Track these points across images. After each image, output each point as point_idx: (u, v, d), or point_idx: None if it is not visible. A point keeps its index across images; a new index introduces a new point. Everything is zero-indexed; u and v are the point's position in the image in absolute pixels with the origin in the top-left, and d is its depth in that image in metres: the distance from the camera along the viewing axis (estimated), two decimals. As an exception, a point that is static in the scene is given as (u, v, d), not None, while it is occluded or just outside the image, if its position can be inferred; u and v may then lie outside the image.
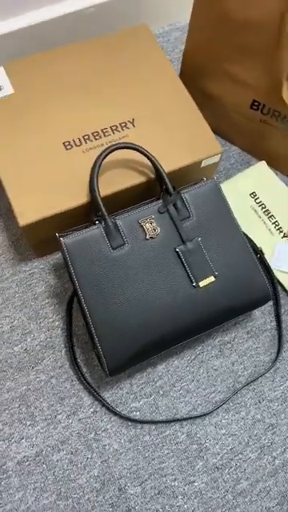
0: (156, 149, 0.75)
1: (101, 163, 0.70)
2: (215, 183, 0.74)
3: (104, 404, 0.75)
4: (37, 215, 0.72)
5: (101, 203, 0.69)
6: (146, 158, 0.74)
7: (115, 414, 0.75)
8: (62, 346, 0.79)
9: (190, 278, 0.70)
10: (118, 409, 0.76)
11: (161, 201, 0.71)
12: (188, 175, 0.79)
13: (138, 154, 0.73)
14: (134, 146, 0.72)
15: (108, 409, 0.75)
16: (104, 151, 0.71)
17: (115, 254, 0.68)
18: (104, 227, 0.68)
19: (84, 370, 0.78)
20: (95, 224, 0.69)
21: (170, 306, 0.69)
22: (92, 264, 0.67)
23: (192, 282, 0.70)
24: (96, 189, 0.69)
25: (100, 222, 0.69)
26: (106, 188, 0.74)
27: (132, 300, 0.68)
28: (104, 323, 0.67)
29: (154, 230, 0.70)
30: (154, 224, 0.70)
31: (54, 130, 0.78)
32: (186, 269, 0.70)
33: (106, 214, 0.69)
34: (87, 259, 0.67)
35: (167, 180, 0.72)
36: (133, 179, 0.75)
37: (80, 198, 0.73)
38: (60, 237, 0.68)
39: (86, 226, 0.70)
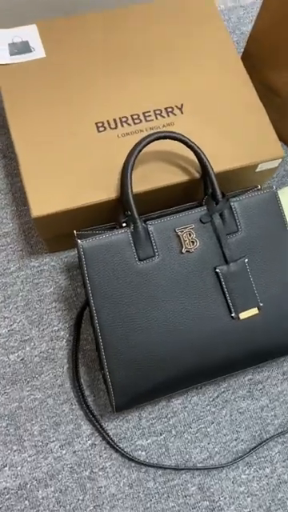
0: (205, 143, 0.62)
1: (138, 153, 0.57)
2: (274, 194, 0.61)
3: (105, 437, 0.64)
4: (54, 207, 0.60)
5: (132, 202, 0.56)
6: (191, 153, 0.61)
7: (117, 450, 0.64)
8: (65, 361, 0.67)
9: (228, 306, 0.57)
10: (120, 445, 0.64)
11: (204, 208, 0.58)
12: (238, 180, 0.66)
13: (183, 147, 0.60)
14: (181, 136, 0.59)
15: (109, 443, 0.64)
16: (144, 139, 0.58)
17: (142, 266, 0.56)
18: (132, 232, 0.56)
19: (87, 392, 0.66)
20: (122, 227, 0.57)
21: (199, 338, 0.56)
22: (113, 275, 0.55)
23: (231, 313, 0.57)
24: (129, 183, 0.57)
25: (128, 226, 0.56)
26: (140, 184, 0.61)
27: (156, 325, 0.55)
28: (118, 350, 0.55)
29: (193, 242, 0.57)
30: (194, 235, 0.57)
31: (86, 106, 0.65)
32: (225, 295, 0.57)
33: (136, 215, 0.56)
34: (107, 269, 0.55)
35: (216, 183, 0.59)
36: (173, 177, 0.63)
37: (108, 191, 0.61)
38: (78, 237, 0.56)
39: (111, 228, 0.58)
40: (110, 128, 0.65)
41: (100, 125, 0.65)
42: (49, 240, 0.69)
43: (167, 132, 0.59)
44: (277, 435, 0.66)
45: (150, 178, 0.62)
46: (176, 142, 0.60)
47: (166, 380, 0.57)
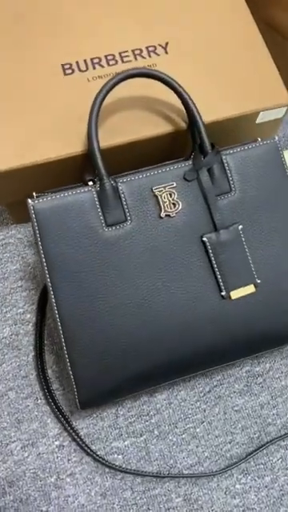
0: (194, 88, 0.51)
1: (106, 94, 0.47)
2: (276, 146, 0.49)
3: (74, 438, 0.54)
4: (8, 163, 0.50)
5: (98, 154, 0.46)
6: (176, 101, 0.50)
7: (88, 453, 0.54)
8: (31, 348, 0.58)
9: (218, 283, 0.47)
10: (93, 447, 0.54)
11: (189, 162, 0.47)
12: (234, 135, 0.55)
13: (166, 92, 0.49)
14: (162, 75, 0.49)
15: (79, 445, 0.55)
16: (113, 78, 0.47)
17: (110, 233, 0.45)
18: (98, 191, 0.45)
19: (55, 385, 0.57)
20: (87, 186, 0.46)
21: (181, 322, 0.46)
22: (73, 244, 0.45)
23: (220, 291, 0.46)
24: (93, 132, 0.46)
25: (94, 184, 0.46)
26: (113, 136, 0.51)
27: (128, 306, 0.45)
28: (81, 335, 0.45)
29: (174, 204, 0.47)
30: (175, 196, 0.47)
31: (51, 44, 0.55)
32: (213, 269, 0.47)
33: (104, 171, 0.45)
34: (66, 237, 0.45)
35: (204, 132, 0.48)
36: (153, 128, 0.52)
37: (73, 145, 0.51)
38: (31, 199, 0.45)
39: (73, 188, 0.47)
40: (80, 70, 0.54)
41: (67, 67, 0.54)
42: (12, 207, 0.59)
43: (145, 69, 0.48)
44: (279, 438, 0.56)
45: (125, 130, 0.52)
46: (157, 84, 0.49)
47: (141, 372, 0.47)
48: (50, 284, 0.45)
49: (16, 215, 0.62)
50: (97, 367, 0.46)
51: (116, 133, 0.52)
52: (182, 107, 0.51)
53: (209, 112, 0.52)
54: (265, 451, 0.56)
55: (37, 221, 0.44)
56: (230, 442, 0.56)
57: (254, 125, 0.56)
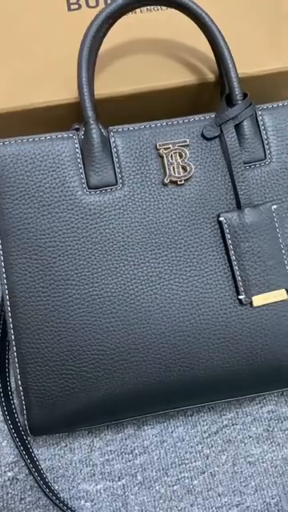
0: (230, 31, 0.38)
1: (103, 25, 0.35)
2: None
3: (32, 471, 0.41)
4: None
5: (87, 98, 0.34)
6: (204, 46, 0.38)
7: (47, 494, 0.41)
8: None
9: (235, 282, 0.33)
10: (56, 486, 0.42)
11: (211, 115, 0.35)
12: (274, 92, 0.42)
13: (190, 35, 0.37)
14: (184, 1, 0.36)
15: (38, 482, 0.41)
16: (113, 3, 0.35)
17: (93, 198, 0.34)
18: (82, 140, 0.34)
19: (17, 401, 0.44)
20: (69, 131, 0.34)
21: (180, 331, 0.33)
22: (40, 208, 0.33)
23: (238, 294, 0.33)
24: (84, 74, 0.35)
25: (78, 132, 0.34)
26: (119, 84, 0.40)
27: (107, 300, 0.33)
28: (38, 334, 0.33)
29: (184, 168, 0.34)
30: (187, 157, 0.34)
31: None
32: (231, 262, 0.33)
33: (90, 113, 0.34)
34: (32, 196, 0.34)
35: (235, 79, 0.35)
36: (170, 76, 0.41)
37: (69, 90, 0.39)
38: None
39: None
40: (88, 6, 0.44)
41: (73, 1, 0.43)
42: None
43: (163, -5, 0.37)
44: (306, 509, 0.41)
45: (135, 76, 0.41)
46: (181, 24, 0.38)
47: (117, 395, 0.34)
48: (1, 258, 0.33)
49: None
50: (57, 381, 0.33)
51: (124, 79, 0.40)
52: (210, 54, 0.39)
53: (246, 63, 0.39)
54: (286, 524, 0.41)
55: (-5, 168, 0.33)
56: (237, 506, 0.42)
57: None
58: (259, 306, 0.34)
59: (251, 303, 0.34)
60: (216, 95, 0.41)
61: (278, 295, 0.34)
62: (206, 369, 0.34)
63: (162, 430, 0.44)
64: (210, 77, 0.41)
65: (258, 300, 0.34)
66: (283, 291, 0.34)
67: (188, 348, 0.33)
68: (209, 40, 0.37)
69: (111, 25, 0.37)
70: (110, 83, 0.40)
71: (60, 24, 0.43)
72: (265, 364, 0.34)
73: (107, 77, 0.41)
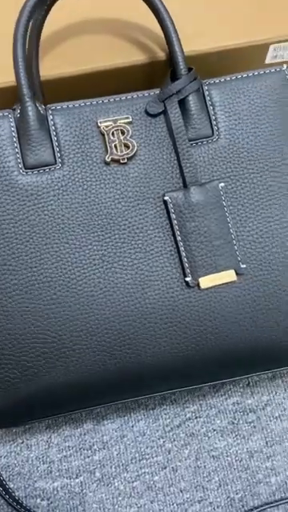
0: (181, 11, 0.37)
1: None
2: (284, 77, 0.34)
3: (-14, 469, 0.40)
4: None
5: (22, 76, 0.33)
6: (154, 23, 0.36)
7: (0, 493, 0.39)
8: None
9: (182, 263, 0.32)
10: (11, 484, 0.40)
11: (155, 91, 0.33)
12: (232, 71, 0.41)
13: (143, 16, 0.36)
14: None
15: (-8, 480, 0.40)
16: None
17: (30, 179, 0.32)
18: (18, 118, 0.32)
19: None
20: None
21: (125, 316, 0.32)
22: (-26, 190, 0.31)
23: (185, 275, 0.31)
24: (19, 52, 0.33)
25: (14, 111, 0.33)
26: (68, 64, 0.39)
27: (48, 285, 0.32)
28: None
29: (127, 146, 0.32)
30: (129, 135, 0.33)
31: None
32: (177, 243, 0.32)
33: (26, 90, 0.32)
34: None
35: (178, 52, 0.34)
36: (121, 56, 0.39)
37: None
38: None
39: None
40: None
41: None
42: None
43: None
44: (271, 505, 0.39)
45: (85, 57, 0.39)
46: (134, 6, 0.36)
47: (63, 384, 0.32)
48: None
49: None
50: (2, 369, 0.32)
51: (73, 60, 0.39)
52: (160, 34, 0.38)
53: (201, 39, 0.38)
54: (250, 521, 0.39)
55: None
56: (199, 502, 0.40)
57: (263, 66, 0.41)
58: (207, 289, 0.32)
59: (198, 285, 0.32)
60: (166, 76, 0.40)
61: (226, 276, 0.32)
62: (153, 355, 0.32)
63: (122, 425, 0.43)
64: (161, 55, 0.39)
65: (206, 282, 0.32)
66: (232, 272, 0.32)
67: (134, 334, 0.32)
68: (155, 15, 0.36)
69: (53, 2, 0.35)
70: (58, 64, 0.39)
71: None
72: (215, 349, 0.32)
73: (56, 58, 0.39)
